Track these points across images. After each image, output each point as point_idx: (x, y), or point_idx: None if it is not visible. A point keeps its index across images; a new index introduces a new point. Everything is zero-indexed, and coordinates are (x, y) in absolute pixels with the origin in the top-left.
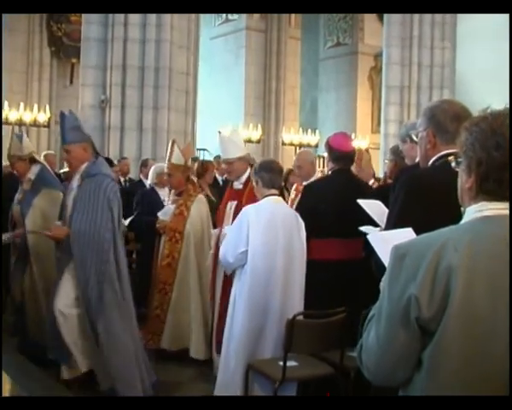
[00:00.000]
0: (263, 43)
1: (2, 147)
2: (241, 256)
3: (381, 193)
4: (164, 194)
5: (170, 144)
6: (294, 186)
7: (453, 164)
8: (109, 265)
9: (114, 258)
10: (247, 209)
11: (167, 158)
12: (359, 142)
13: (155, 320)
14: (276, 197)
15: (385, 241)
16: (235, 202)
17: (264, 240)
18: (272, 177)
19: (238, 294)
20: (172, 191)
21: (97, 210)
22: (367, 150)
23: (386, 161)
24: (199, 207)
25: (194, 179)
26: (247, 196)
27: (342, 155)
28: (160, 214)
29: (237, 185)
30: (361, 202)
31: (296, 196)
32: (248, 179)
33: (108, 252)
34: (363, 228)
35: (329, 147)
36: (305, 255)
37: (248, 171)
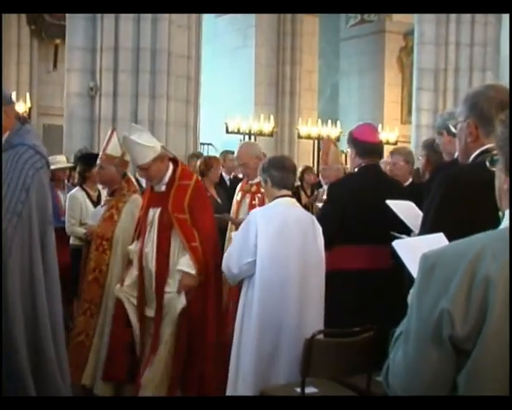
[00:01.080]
0: (275, 21)
1: (1, 143)
2: (247, 267)
3: (414, 193)
4: None
5: (109, 132)
6: (239, 186)
7: (487, 163)
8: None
9: (29, 260)
10: (255, 213)
11: (102, 148)
12: (387, 134)
13: (78, 349)
14: (289, 199)
15: (412, 248)
16: (158, 209)
17: (275, 248)
18: (284, 175)
19: (246, 310)
20: (105, 191)
21: (7, 186)
22: (334, 142)
23: (420, 158)
24: (131, 209)
25: (131, 177)
26: (173, 199)
27: (370, 148)
28: (88, 219)
29: (159, 187)
30: (390, 202)
31: (242, 197)
32: (173, 179)
33: (8, 243)
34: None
35: (354, 140)
36: (324, 265)
37: (171, 168)
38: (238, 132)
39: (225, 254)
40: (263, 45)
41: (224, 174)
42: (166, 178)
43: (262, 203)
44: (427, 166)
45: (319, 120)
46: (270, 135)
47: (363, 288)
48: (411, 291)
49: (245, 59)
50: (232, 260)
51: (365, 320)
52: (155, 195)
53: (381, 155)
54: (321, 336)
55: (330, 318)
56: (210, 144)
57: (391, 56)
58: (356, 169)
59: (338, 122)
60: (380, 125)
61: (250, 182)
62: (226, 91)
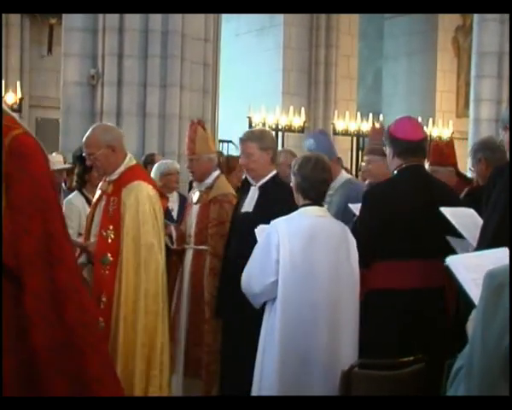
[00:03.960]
0: None
1: (2, 140)
2: (271, 287)
3: (470, 199)
4: (172, 200)
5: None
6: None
7: None
8: None
9: None
10: (277, 224)
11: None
12: (439, 130)
13: None
14: (317, 207)
15: (470, 265)
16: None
17: (300, 266)
18: (312, 186)
19: (268, 336)
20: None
21: None
22: (202, 125)
23: (471, 168)
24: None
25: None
26: None
27: (410, 147)
28: None
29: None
30: (445, 210)
31: (99, 199)
32: None
33: None
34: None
35: (391, 137)
36: (358, 284)
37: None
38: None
39: (245, 272)
40: (293, 25)
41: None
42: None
43: (117, 211)
44: (487, 171)
45: (358, 113)
46: (301, 130)
47: (408, 311)
48: (472, 317)
49: (272, 41)
50: (254, 278)
51: (412, 350)
52: None
53: (425, 155)
54: (358, 369)
55: (367, 347)
56: (230, 142)
57: (445, 37)
58: (395, 172)
59: (381, 115)
60: (431, 119)
61: (108, 179)
62: (249, 80)
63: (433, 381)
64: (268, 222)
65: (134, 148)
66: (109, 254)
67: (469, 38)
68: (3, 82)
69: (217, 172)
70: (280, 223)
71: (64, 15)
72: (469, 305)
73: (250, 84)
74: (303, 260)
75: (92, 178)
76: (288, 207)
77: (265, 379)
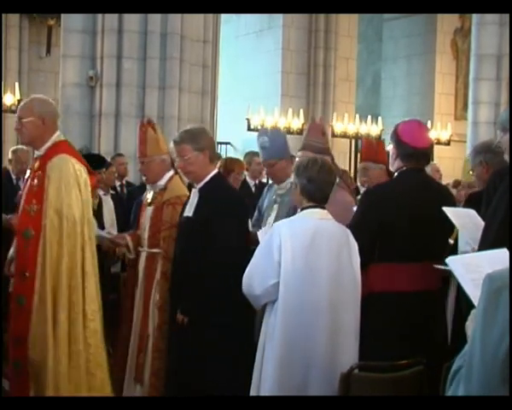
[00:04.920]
0: None
1: (2, 141)
2: (272, 289)
3: (471, 205)
4: None
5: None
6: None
7: None
8: None
9: None
10: (279, 226)
11: None
12: (438, 132)
13: None
14: (319, 210)
15: (471, 266)
16: None
17: (302, 269)
18: (317, 188)
19: (268, 338)
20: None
21: None
22: (152, 125)
23: (471, 173)
24: None
25: None
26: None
27: (415, 153)
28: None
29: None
30: (447, 210)
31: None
32: None
33: None
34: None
35: (398, 139)
36: (360, 288)
37: None
38: None
39: (246, 274)
40: (292, 27)
41: (248, 180)
42: None
43: (41, 185)
44: (487, 174)
45: (357, 116)
46: (300, 133)
47: (408, 313)
48: (471, 318)
49: (271, 43)
50: (255, 279)
51: (410, 352)
52: None
53: (428, 161)
54: (357, 371)
55: (366, 350)
56: (228, 144)
57: (444, 39)
58: (396, 173)
59: (379, 118)
60: (429, 122)
61: (35, 155)
62: (248, 81)
63: (432, 383)
64: (208, 226)
65: (133, 149)
66: (31, 228)
67: (468, 40)
68: (2, 84)
69: (170, 174)
70: (282, 225)
71: (63, 17)
72: (469, 307)
73: (249, 86)
74: (304, 262)
75: (91, 180)
76: (229, 207)
77: (265, 381)
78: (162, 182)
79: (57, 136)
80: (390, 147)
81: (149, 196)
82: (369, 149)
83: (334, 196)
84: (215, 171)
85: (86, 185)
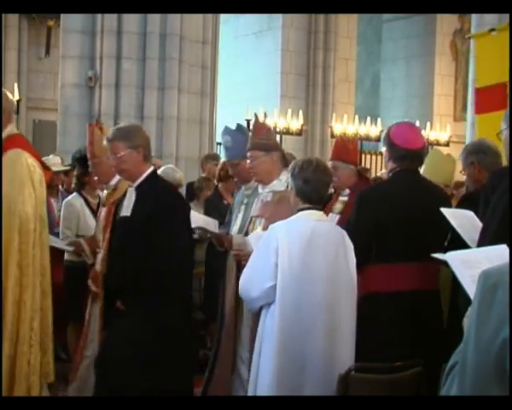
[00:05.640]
0: None
1: (1, 141)
2: (269, 291)
3: (470, 202)
4: None
5: None
6: None
7: None
8: None
9: None
10: (276, 228)
11: None
12: (437, 133)
13: None
14: (315, 211)
15: (469, 263)
16: None
17: (299, 270)
18: (313, 189)
19: (264, 341)
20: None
21: None
22: (100, 126)
23: (462, 172)
24: None
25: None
26: None
27: (408, 155)
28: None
29: None
30: (445, 211)
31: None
32: None
33: None
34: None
35: (390, 142)
36: (356, 288)
37: None
38: None
39: (243, 277)
40: (291, 28)
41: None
42: None
43: None
44: (480, 174)
45: (356, 117)
46: (299, 133)
47: (405, 313)
48: (468, 314)
49: (270, 44)
50: (252, 282)
51: (408, 353)
52: None
53: (421, 162)
54: (355, 373)
55: (364, 350)
56: None
57: (443, 41)
58: (390, 174)
59: (379, 119)
60: (428, 123)
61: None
62: (248, 82)
63: (430, 384)
64: (149, 225)
65: None
66: None
67: (467, 41)
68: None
69: None
70: (279, 227)
71: (62, 17)
72: (468, 304)
73: (248, 87)
74: (301, 263)
75: (91, 181)
76: (170, 205)
77: (262, 382)
78: (113, 182)
79: (10, 129)
80: (383, 149)
81: (103, 196)
82: (339, 147)
83: (286, 195)
84: (151, 169)
85: (40, 182)
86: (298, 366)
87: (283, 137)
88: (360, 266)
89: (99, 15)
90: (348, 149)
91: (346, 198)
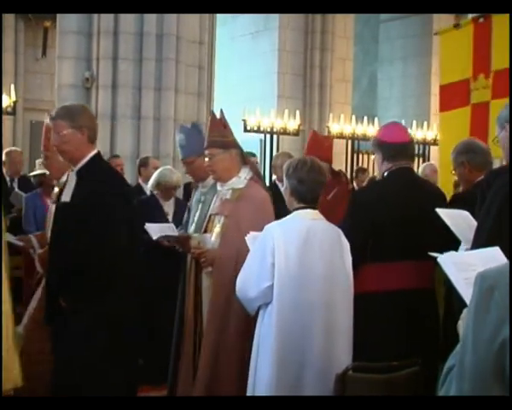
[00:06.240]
0: None
1: (2, 142)
2: (266, 291)
3: (461, 201)
4: (169, 208)
5: None
6: None
7: None
8: None
9: None
10: (272, 228)
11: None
12: (434, 132)
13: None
14: (310, 210)
15: (462, 265)
16: None
17: (295, 269)
18: (307, 188)
19: (262, 341)
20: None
21: None
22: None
23: (453, 172)
24: None
25: None
26: None
27: (399, 149)
28: None
29: None
30: (440, 211)
31: None
32: None
33: None
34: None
35: (380, 142)
36: (352, 287)
37: None
38: (258, 131)
39: (239, 278)
40: (288, 28)
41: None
42: None
43: None
44: (471, 174)
45: (353, 117)
46: (296, 134)
47: (402, 312)
48: (463, 316)
49: (267, 44)
50: (249, 282)
51: (406, 352)
52: None
53: (413, 157)
54: (352, 372)
55: (361, 350)
56: None
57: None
58: (385, 174)
59: (376, 119)
60: (425, 123)
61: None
62: (244, 83)
63: (427, 383)
64: (87, 212)
65: (129, 150)
66: None
67: None
68: None
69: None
70: (274, 227)
71: (58, 18)
72: (461, 306)
73: (245, 88)
74: (298, 263)
75: None
76: (111, 191)
77: (260, 381)
78: (64, 178)
79: None
80: (374, 157)
81: (54, 192)
82: (313, 143)
83: (246, 192)
84: (94, 152)
85: None
86: (296, 365)
87: (280, 137)
88: (356, 265)
89: (95, 16)
90: (323, 146)
91: None
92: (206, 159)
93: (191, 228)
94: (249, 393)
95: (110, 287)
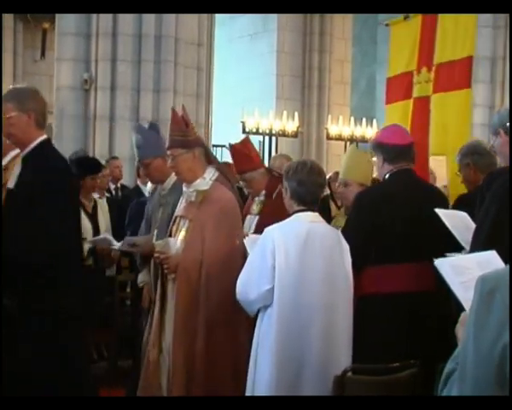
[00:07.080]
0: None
1: (1, 143)
2: (266, 294)
3: (462, 204)
4: None
5: None
6: None
7: None
8: None
9: None
10: (271, 231)
11: None
12: None
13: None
14: (310, 213)
15: (459, 268)
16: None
17: (295, 271)
18: (306, 190)
19: (261, 342)
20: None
21: None
22: None
23: (458, 174)
24: None
25: None
26: None
27: (400, 151)
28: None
29: None
30: (440, 212)
31: None
32: None
33: None
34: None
35: (380, 145)
36: (352, 289)
37: None
38: (257, 132)
39: (240, 281)
40: (286, 29)
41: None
42: None
43: None
44: (476, 176)
45: (352, 118)
46: (295, 135)
47: (403, 314)
48: (461, 319)
49: (265, 46)
50: (249, 284)
51: (406, 354)
52: None
53: (413, 159)
54: (352, 374)
55: (361, 352)
56: (224, 146)
57: None
58: (386, 176)
59: (374, 121)
60: None
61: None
62: (243, 84)
63: (427, 385)
64: (29, 201)
65: (127, 152)
66: None
67: None
68: None
69: None
70: (274, 229)
71: (57, 20)
72: (459, 310)
73: (243, 89)
74: (298, 264)
75: (87, 184)
76: (52, 180)
77: (259, 382)
78: (4, 162)
79: None
80: (374, 159)
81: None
82: (240, 158)
83: (210, 194)
84: (43, 137)
85: None
86: (295, 365)
87: (279, 139)
88: (357, 267)
89: (94, 18)
90: (247, 156)
91: (262, 198)
92: (169, 160)
93: (154, 232)
94: (248, 393)
95: (52, 283)
